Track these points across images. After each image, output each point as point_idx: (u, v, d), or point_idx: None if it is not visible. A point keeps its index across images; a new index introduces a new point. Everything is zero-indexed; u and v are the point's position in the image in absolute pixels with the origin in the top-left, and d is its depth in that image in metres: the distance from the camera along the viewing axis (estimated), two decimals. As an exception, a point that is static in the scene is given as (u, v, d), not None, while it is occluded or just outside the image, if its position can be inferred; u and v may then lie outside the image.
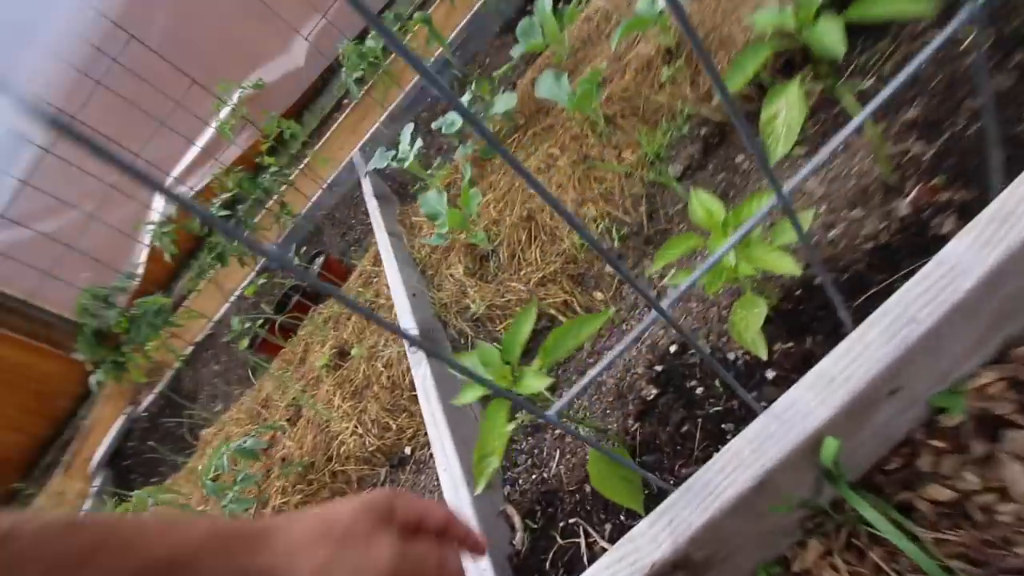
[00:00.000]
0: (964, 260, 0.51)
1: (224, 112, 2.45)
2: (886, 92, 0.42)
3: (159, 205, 2.67)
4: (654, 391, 0.77)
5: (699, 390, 0.73)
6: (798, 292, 0.72)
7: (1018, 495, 0.55)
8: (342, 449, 1.41)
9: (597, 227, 1.20)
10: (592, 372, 0.47)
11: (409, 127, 1.69)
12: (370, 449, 1.35)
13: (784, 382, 0.62)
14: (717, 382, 0.71)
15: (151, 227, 2.48)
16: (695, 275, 0.44)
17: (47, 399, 3.31)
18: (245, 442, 1.36)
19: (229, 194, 2.46)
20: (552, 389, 1.08)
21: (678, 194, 1.11)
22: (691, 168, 1.15)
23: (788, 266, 0.57)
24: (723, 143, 1.13)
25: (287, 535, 0.37)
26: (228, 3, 2.45)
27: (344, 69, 2.60)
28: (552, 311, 1.19)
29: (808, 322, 0.68)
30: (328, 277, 2.07)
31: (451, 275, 1.41)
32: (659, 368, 0.80)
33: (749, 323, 0.60)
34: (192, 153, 2.73)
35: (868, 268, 0.66)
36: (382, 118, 2.66)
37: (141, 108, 2.27)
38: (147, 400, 2.62)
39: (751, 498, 0.55)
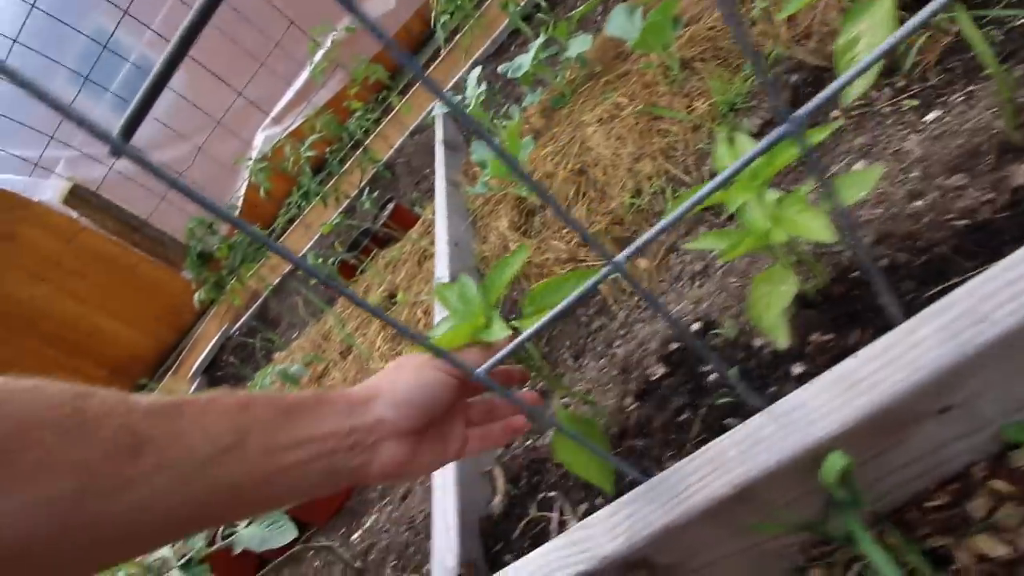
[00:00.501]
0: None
1: (318, 55, 2.53)
2: None
3: (258, 143, 2.87)
4: (661, 370, 0.67)
5: (711, 377, 0.62)
6: (855, 273, 0.57)
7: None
8: (377, 387, 1.45)
9: (651, 186, 1.08)
10: (528, 332, 0.40)
11: (476, 71, 1.62)
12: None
13: (811, 380, 0.51)
14: (737, 370, 0.60)
15: (249, 163, 2.67)
16: (665, 222, 0.35)
17: (175, 311, 3.80)
18: (291, 368, 1.44)
19: (318, 135, 2.57)
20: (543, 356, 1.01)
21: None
22: (772, 123, 0.98)
23: (821, 231, 0.45)
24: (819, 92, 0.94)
25: (384, 406, 0.43)
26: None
27: (434, 14, 2.57)
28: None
29: (860, 311, 0.54)
30: (394, 225, 2.11)
31: (496, 228, 1.36)
32: (674, 346, 0.70)
33: (771, 302, 0.49)
34: (289, 94, 2.87)
35: (955, 251, 0.50)
36: (467, 65, 2.61)
37: (245, 48, 2.41)
38: (240, 321, 2.91)
39: (727, 508, 0.46)
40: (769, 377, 0.57)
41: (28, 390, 0.29)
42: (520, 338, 0.40)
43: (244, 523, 0.97)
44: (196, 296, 2.76)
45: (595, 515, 0.52)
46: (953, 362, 0.39)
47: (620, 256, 0.37)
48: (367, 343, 1.61)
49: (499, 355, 0.42)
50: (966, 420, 0.44)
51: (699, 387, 0.63)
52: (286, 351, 2.23)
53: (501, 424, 0.49)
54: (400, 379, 0.43)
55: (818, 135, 0.48)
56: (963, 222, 0.51)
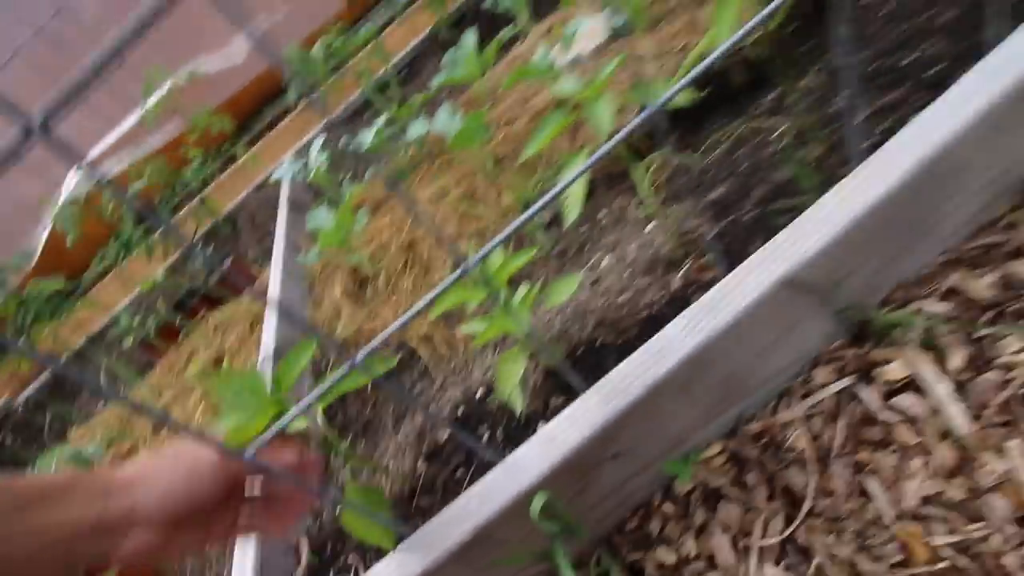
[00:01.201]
0: (673, 342, 0.56)
1: (152, 99, 2.39)
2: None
3: (70, 183, 2.56)
4: (446, 434, 0.79)
5: (486, 436, 0.76)
6: (581, 351, 0.76)
7: (722, 564, 0.59)
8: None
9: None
10: (285, 419, 0.48)
11: (320, 139, 1.69)
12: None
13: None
14: (500, 431, 0.74)
15: (57, 207, 2.37)
16: (399, 321, 0.47)
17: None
18: (86, 449, 1.30)
19: (143, 182, 2.39)
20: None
21: (540, 242, 1.16)
22: (557, 218, 1.20)
23: (519, 328, 0.61)
24: (590, 196, 1.19)
25: (144, 492, 0.42)
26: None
27: (288, 75, 2.60)
28: (413, 344, 1.20)
29: (585, 380, 0.72)
30: (229, 284, 2.02)
31: (330, 295, 1.41)
32: (461, 411, 0.82)
33: (509, 377, 0.64)
34: (114, 135, 2.64)
35: (639, 334, 0.71)
36: (320, 125, 2.66)
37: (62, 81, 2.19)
38: (26, 392, 2.47)
39: (473, 549, 0.57)
40: (523, 435, 0.71)
41: None
42: (282, 420, 0.48)
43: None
44: (-35, 361, 2.29)
45: (373, 568, 0.60)
46: (609, 421, 0.55)
47: (361, 354, 0.47)
48: (185, 416, 1.50)
49: (266, 435, 0.49)
50: (634, 461, 0.61)
51: (469, 450, 0.75)
52: (85, 427, 1.95)
53: (280, 506, 0.49)
54: (166, 466, 0.43)
55: (517, 260, 0.66)
56: (644, 313, 0.73)
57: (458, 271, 0.47)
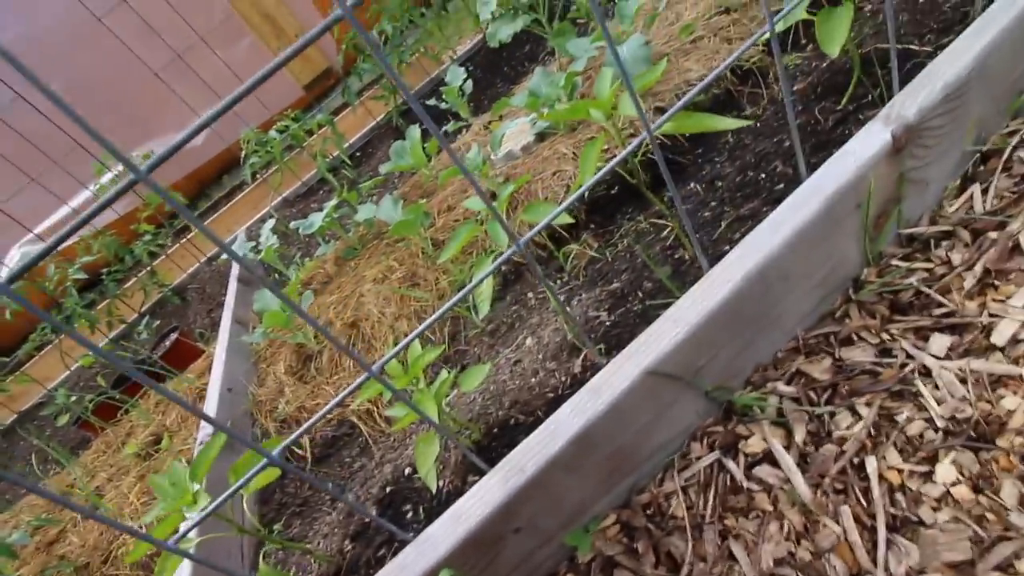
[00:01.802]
0: (563, 424, 0.64)
1: (106, 177, 2.43)
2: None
3: (12, 258, 2.52)
4: (374, 511, 0.84)
5: (410, 513, 0.81)
6: (496, 430, 0.83)
7: (616, 628, 0.64)
8: (121, 551, 1.32)
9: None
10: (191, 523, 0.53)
11: (270, 222, 1.77)
12: (148, 554, 1.27)
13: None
14: (423, 508, 0.79)
15: (-7, 283, 2.32)
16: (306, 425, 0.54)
17: None
18: (9, 536, 1.24)
19: (92, 257, 2.38)
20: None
21: (474, 322, 1.25)
22: (492, 299, 1.30)
23: (433, 414, 0.69)
24: (519, 279, 1.30)
25: None
26: (128, 76, 2.53)
27: (244, 154, 2.71)
28: (354, 418, 1.24)
29: (496, 457, 0.79)
30: (172, 358, 2.01)
31: (274, 372, 1.44)
32: (389, 489, 0.87)
33: (425, 458, 0.70)
34: (62, 212, 2.64)
35: (545, 414, 0.79)
36: (273, 203, 2.75)
37: (12, 162, 2.22)
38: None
39: (383, 627, 0.61)
40: (442, 512, 0.77)
41: None
42: (199, 516, 0.53)
43: None
44: None
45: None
46: (507, 498, 0.62)
47: (277, 450, 0.53)
48: (118, 497, 1.46)
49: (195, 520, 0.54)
50: (536, 535, 0.67)
51: (398, 524, 0.80)
52: (9, 512, 1.83)
53: None
54: None
55: (429, 355, 0.74)
56: (551, 394, 0.82)
57: (363, 377, 0.55)
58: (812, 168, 0.71)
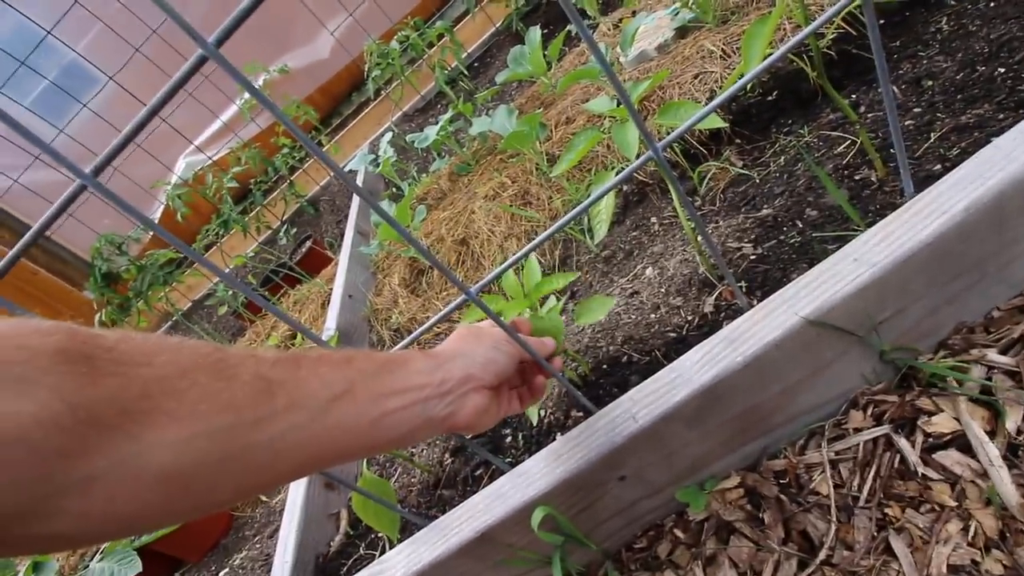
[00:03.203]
0: (687, 373, 0.54)
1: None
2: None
3: (179, 168, 2.86)
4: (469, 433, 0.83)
5: (508, 439, 0.78)
6: (606, 366, 0.75)
7: (728, 598, 0.58)
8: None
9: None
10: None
11: (388, 135, 1.77)
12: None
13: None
14: (521, 436, 0.76)
15: (167, 188, 2.66)
16: (437, 317, 0.50)
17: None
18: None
19: (241, 168, 2.62)
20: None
21: (588, 246, 1.15)
22: (610, 221, 1.19)
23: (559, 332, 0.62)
24: (642, 202, 1.16)
25: (447, 344, 0.51)
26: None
27: (367, 67, 2.73)
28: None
29: (603, 396, 0.72)
30: (307, 264, 2.19)
31: (389, 283, 1.49)
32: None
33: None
34: (215, 125, 2.90)
35: (664, 355, 0.69)
36: (394, 118, 2.77)
37: (171, 76, 2.44)
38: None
39: (476, 548, 0.60)
40: (543, 441, 0.73)
41: (176, 343, 0.33)
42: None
43: (96, 557, 1.01)
44: (97, 317, 2.66)
45: (388, 553, 0.65)
46: (614, 446, 0.55)
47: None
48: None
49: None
50: (642, 485, 0.61)
51: (493, 449, 0.78)
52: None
53: (530, 386, 0.56)
54: (477, 343, 0.50)
55: (555, 283, 0.66)
56: (673, 334, 0.71)
57: (461, 298, 0.50)
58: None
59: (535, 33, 1.65)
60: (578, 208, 0.50)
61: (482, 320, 0.64)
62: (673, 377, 0.55)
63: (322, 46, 2.89)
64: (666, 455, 0.59)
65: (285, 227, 2.51)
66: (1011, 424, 0.51)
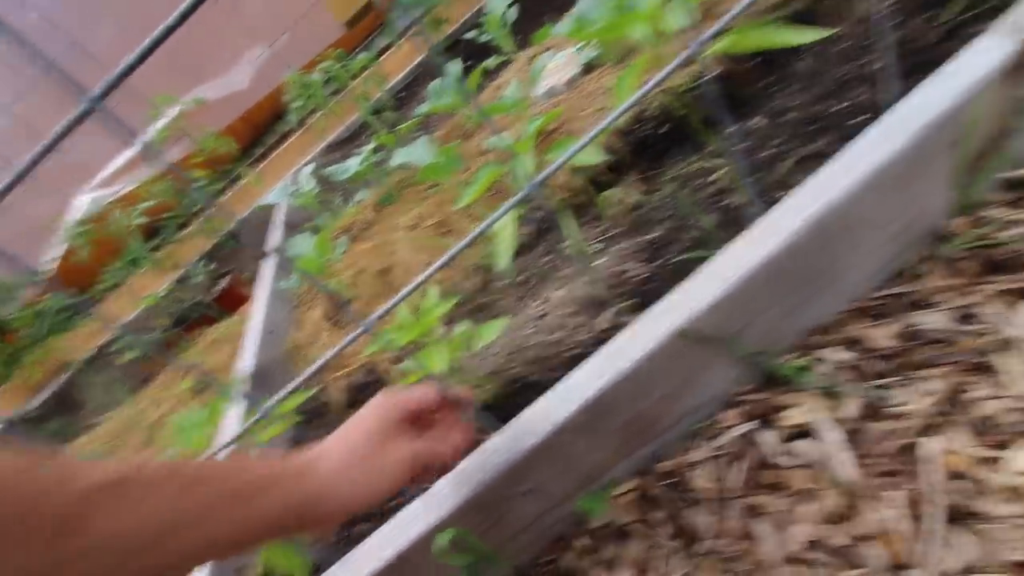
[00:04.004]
0: (577, 387, 0.59)
1: (160, 123, 2.50)
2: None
3: (83, 204, 2.68)
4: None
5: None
6: (515, 387, 0.79)
7: (629, 597, 0.61)
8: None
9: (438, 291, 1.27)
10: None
11: (308, 168, 1.76)
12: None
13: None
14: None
15: (69, 226, 2.49)
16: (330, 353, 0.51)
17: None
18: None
19: (151, 203, 2.49)
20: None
21: (503, 271, 1.20)
22: (524, 247, 1.24)
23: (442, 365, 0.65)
24: (555, 227, 1.23)
25: (327, 463, 0.47)
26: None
27: (288, 97, 2.70)
28: (381, 369, 1.25)
29: (511, 417, 0.75)
30: (228, 299, 2.10)
31: (311, 317, 1.47)
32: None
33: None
34: (122, 158, 2.76)
35: (567, 371, 0.74)
36: (319, 147, 2.75)
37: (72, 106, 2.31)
38: (32, 403, 2.57)
39: (389, 573, 0.60)
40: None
41: None
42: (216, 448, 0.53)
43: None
44: (-21, 371, 2.41)
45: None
46: (517, 459, 0.59)
47: (265, 408, 0.52)
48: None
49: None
50: (548, 497, 0.64)
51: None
52: (88, 436, 2.03)
53: (443, 434, 0.55)
54: (371, 467, 0.48)
55: (442, 307, 0.70)
56: (575, 352, 0.76)
57: (358, 330, 0.52)
58: (901, 97, 0.59)
59: (455, 67, 1.72)
60: (466, 240, 0.54)
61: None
62: (566, 391, 0.59)
63: (241, 76, 2.83)
64: (565, 466, 0.62)
65: (202, 262, 2.40)
66: (851, 411, 0.59)
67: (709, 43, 0.51)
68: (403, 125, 1.87)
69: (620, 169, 1.18)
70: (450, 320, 1.18)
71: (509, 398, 0.80)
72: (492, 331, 0.69)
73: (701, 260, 0.74)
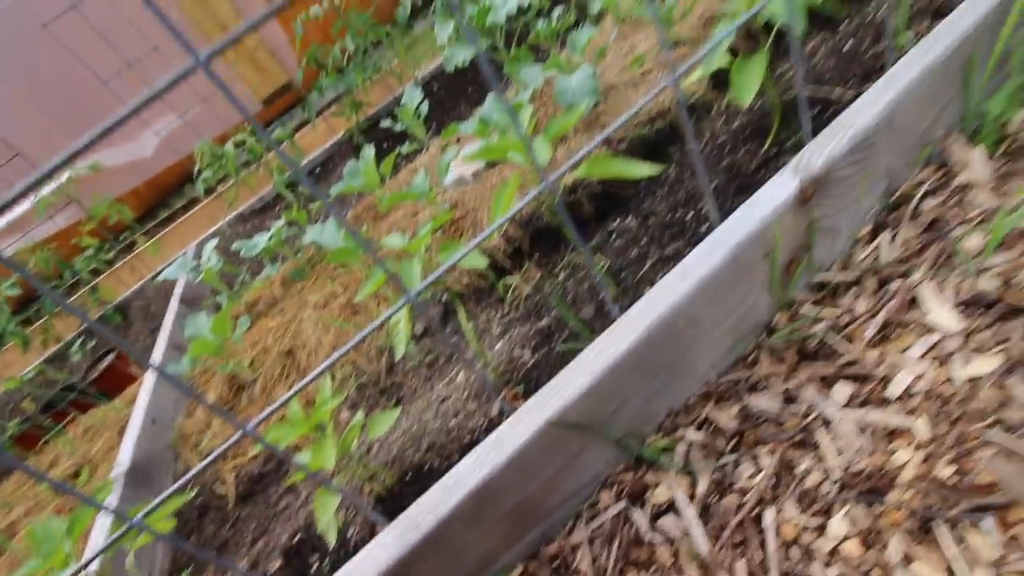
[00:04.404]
0: (462, 477, 0.62)
1: (47, 188, 2.34)
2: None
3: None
4: (280, 560, 0.80)
5: (315, 566, 0.77)
6: (411, 475, 0.81)
7: None
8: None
9: (341, 373, 1.27)
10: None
11: (213, 242, 1.72)
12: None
13: None
14: (328, 560, 0.76)
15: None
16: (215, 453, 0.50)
17: None
18: None
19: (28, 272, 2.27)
20: None
21: (409, 353, 1.22)
22: (429, 329, 1.28)
23: (328, 463, 0.66)
24: (464, 306, 1.28)
25: None
26: (78, 82, 2.46)
27: (197, 168, 2.64)
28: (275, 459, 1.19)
29: (407, 505, 0.76)
30: (109, 380, 1.92)
31: (201, 395, 1.39)
32: (299, 537, 0.83)
33: (324, 509, 0.67)
34: (3, 221, 2.52)
35: (461, 459, 0.78)
36: (228, 218, 2.68)
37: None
38: None
39: None
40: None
41: None
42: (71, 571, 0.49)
43: None
44: None
45: None
46: (402, 553, 0.60)
47: (140, 516, 0.50)
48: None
49: None
50: (436, 590, 0.65)
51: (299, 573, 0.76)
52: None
53: None
54: None
55: (332, 402, 0.72)
56: (467, 439, 0.80)
57: (237, 434, 0.53)
58: (726, 214, 0.72)
59: (369, 151, 1.79)
60: (354, 341, 0.58)
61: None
62: (451, 482, 0.62)
63: (146, 144, 2.74)
64: (455, 556, 0.64)
65: (82, 339, 2.19)
66: (702, 487, 0.67)
67: (569, 169, 0.61)
68: (318, 203, 1.89)
69: (520, 255, 1.28)
70: (353, 405, 1.18)
71: (409, 485, 0.80)
72: (384, 423, 0.71)
73: (578, 350, 0.82)
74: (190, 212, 2.90)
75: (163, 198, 3.29)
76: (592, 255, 1.06)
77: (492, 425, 0.79)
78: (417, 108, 1.93)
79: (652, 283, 0.86)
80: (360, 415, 0.77)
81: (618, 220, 1.12)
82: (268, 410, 0.55)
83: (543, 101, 1.70)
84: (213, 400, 1.35)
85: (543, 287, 1.10)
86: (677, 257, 0.89)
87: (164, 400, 1.41)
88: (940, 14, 1.00)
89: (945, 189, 0.81)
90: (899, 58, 0.80)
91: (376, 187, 1.85)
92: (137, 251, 2.69)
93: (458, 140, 2.04)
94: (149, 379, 1.46)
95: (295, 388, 0.57)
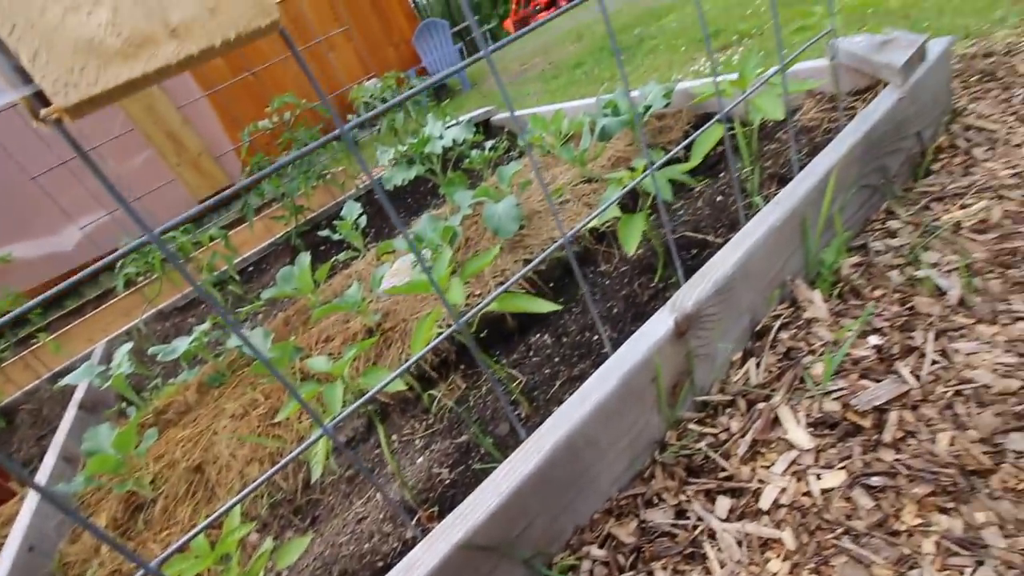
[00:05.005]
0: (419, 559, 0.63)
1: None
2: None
3: None
4: None
5: None
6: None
7: None
8: None
9: (255, 493, 1.22)
10: None
11: (126, 346, 1.66)
12: None
13: None
14: None
15: None
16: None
17: None
18: None
19: None
20: None
21: (329, 467, 1.21)
22: (355, 439, 1.28)
23: None
24: (385, 421, 1.30)
25: None
26: (9, 175, 2.39)
27: (119, 263, 2.57)
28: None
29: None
30: (-25, 498, 1.69)
31: (93, 524, 1.26)
32: None
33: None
34: None
35: (376, 585, 0.77)
36: (146, 315, 2.57)
37: None
38: None
39: None
40: None
41: None
42: None
43: None
44: None
45: None
46: None
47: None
48: None
49: None
50: None
51: None
52: None
53: None
54: None
55: (239, 532, 0.73)
56: (379, 563, 0.80)
57: (138, 574, 0.52)
58: (620, 342, 0.84)
59: (305, 257, 1.85)
60: (267, 474, 0.60)
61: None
62: (406, 565, 0.63)
63: (67, 238, 2.65)
64: None
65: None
66: (605, 606, 0.71)
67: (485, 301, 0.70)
68: (245, 308, 1.89)
69: (447, 366, 1.34)
70: (264, 525, 1.13)
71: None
72: (294, 552, 0.71)
73: (492, 468, 0.87)
74: (103, 305, 2.75)
75: (83, 279, 3.11)
76: (511, 370, 1.15)
77: (407, 548, 0.80)
78: (356, 220, 2.04)
79: (560, 402, 0.95)
80: (268, 542, 0.76)
81: (537, 335, 1.23)
82: (171, 548, 0.55)
83: (474, 219, 1.86)
84: (105, 523, 1.23)
85: (467, 399, 1.16)
86: (583, 377, 0.99)
87: (46, 523, 1.27)
88: (784, 180, 1.26)
89: (796, 323, 0.98)
90: (752, 215, 1.00)
91: (310, 291, 1.89)
92: (35, 346, 2.49)
93: (392, 251, 2.16)
94: (31, 498, 1.32)
95: (203, 524, 0.58)
